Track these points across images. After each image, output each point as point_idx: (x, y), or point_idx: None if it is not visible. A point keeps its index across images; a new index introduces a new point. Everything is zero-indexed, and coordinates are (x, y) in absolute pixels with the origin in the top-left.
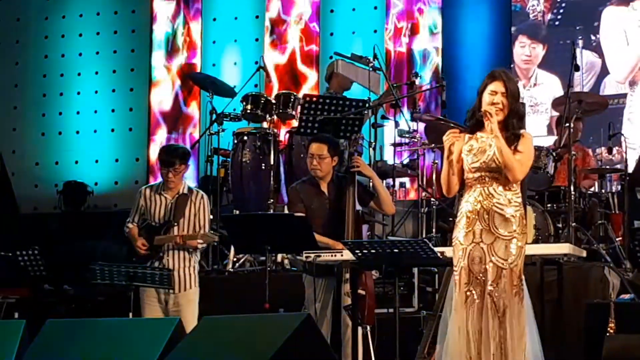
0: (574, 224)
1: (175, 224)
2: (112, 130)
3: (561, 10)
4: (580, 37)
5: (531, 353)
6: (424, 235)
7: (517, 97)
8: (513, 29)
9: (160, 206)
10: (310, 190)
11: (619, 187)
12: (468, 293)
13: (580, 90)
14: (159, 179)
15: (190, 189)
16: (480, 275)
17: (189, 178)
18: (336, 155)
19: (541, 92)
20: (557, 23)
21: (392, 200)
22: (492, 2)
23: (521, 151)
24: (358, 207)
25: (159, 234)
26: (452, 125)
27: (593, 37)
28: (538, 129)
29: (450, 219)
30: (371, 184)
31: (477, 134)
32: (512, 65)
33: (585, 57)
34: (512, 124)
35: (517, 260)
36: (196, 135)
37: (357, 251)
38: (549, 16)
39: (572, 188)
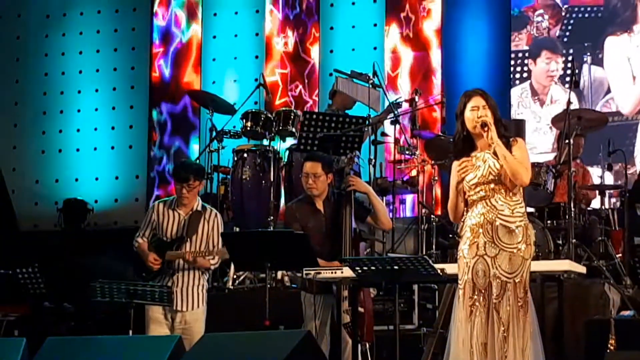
0: (574, 240)
1: (188, 240)
2: (112, 147)
3: (569, 27)
4: (588, 54)
5: None
6: (424, 252)
7: (497, 108)
8: (531, 45)
9: (173, 222)
10: (306, 209)
11: (619, 204)
12: (472, 307)
13: (588, 107)
14: (165, 196)
15: (204, 207)
16: (484, 289)
17: None
18: (330, 172)
19: (558, 109)
20: (565, 39)
21: (391, 217)
22: (491, 18)
23: (518, 156)
24: (355, 224)
25: (170, 250)
26: (451, 141)
27: (601, 54)
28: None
29: (451, 235)
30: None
31: (472, 155)
32: (513, 83)
33: (593, 74)
34: (500, 133)
35: (521, 273)
36: (196, 153)
37: (357, 268)
38: (557, 32)
39: (572, 204)
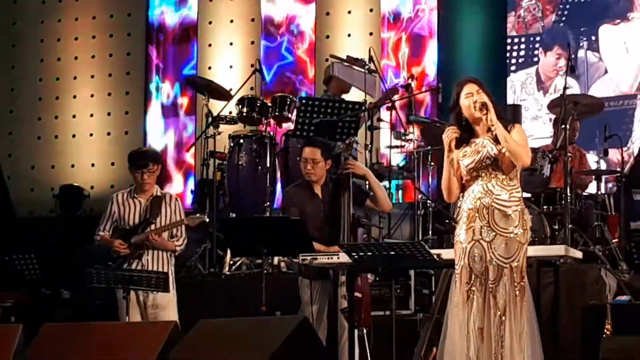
0: (570, 225)
1: (153, 221)
2: (108, 133)
3: (565, 12)
4: (584, 39)
5: (531, 352)
6: (420, 238)
7: (490, 92)
8: (544, 37)
9: (135, 210)
10: (304, 194)
11: (615, 189)
12: (469, 292)
13: (585, 92)
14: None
15: (163, 193)
16: (481, 273)
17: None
18: (330, 158)
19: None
20: (561, 24)
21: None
22: (487, 5)
23: (517, 139)
24: (353, 210)
25: (135, 234)
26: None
27: (594, 41)
28: None
29: (447, 221)
30: (366, 183)
31: (471, 141)
32: (512, 69)
33: (589, 59)
34: (498, 115)
35: (517, 258)
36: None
37: (354, 254)
38: (553, 17)
39: (568, 190)
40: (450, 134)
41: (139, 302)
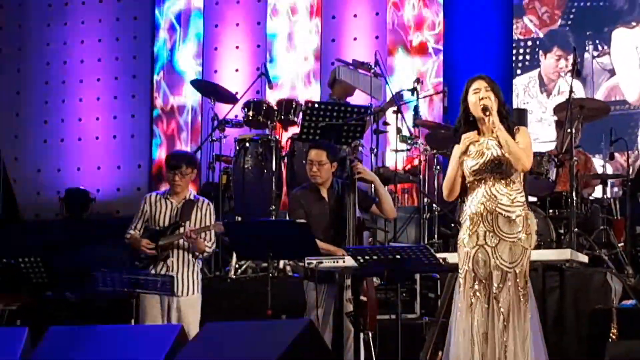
0: (575, 229)
1: (182, 224)
2: (114, 137)
3: (571, 16)
4: (590, 43)
5: (535, 357)
6: (426, 242)
7: (499, 90)
8: (544, 37)
9: (166, 211)
10: (310, 197)
11: (621, 193)
12: (473, 296)
13: (591, 95)
14: (163, 188)
15: (196, 197)
16: (485, 278)
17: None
18: (335, 161)
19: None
20: (567, 28)
21: (395, 206)
22: (494, 7)
23: (521, 142)
24: (359, 213)
25: (164, 236)
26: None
27: (599, 45)
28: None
29: (452, 224)
30: (373, 188)
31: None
32: (514, 71)
33: (595, 63)
34: (503, 114)
35: (521, 263)
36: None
37: (359, 257)
38: (559, 22)
39: (574, 194)
40: (471, 138)
41: (163, 306)
